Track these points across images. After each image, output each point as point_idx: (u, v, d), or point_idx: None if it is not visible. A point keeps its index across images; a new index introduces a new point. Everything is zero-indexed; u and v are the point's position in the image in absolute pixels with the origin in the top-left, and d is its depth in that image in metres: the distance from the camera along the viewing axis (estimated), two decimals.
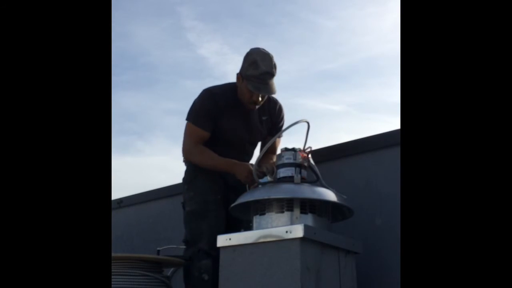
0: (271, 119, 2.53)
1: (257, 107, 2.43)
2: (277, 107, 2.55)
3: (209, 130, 2.41)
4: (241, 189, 2.28)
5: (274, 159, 2.31)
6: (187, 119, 2.44)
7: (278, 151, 2.26)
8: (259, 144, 2.62)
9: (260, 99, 2.39)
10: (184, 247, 2.50)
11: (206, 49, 7.08)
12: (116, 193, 3.92)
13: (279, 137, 2.44)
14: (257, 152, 2.60)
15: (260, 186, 2.09)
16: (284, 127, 2.51)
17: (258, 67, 2.31)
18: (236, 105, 2.44)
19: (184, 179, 2.52)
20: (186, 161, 2.54)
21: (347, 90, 7.75)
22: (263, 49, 2.39)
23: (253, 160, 2.59)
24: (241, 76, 2.38)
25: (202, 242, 2.28)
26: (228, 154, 2.41)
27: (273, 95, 2.45)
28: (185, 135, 2.44)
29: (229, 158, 2.39)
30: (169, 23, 7.00)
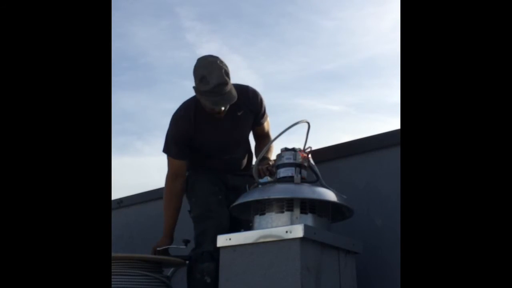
0: (250, 109, 2.44)
1: (223, 109, 2.33)
2: (250, 95, 2.44)
3: (182, 156, 2.44)
4: (241, 189, 2.28)
5: (272, 154, 2.35)
6: (163, 151, 2.48)
7: (274, 147, 2.28)
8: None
9: (223, 108, 2.30)
10: (184, 247, 2.50)
11: (205, 50, 7.09)
12: (116, 193, 3.92)
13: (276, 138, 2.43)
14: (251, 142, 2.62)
15: (260, 186, 2.09)
16: (284, 128, 2.51)
17: (208, 82, 2.22)
18: (204, 116, 2.39)
19: (185, 188, 2.53)
20: (187, 171, 2.58)
21: (346, 90, 7.76)
22: (209, 56, 2.30)
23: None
24: (197, 91, 2.31)
25: (206, 243, 2.26)
26: (216, 163, 2.46)
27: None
28: (167, 166, 2.50)
29: (218, 166, 2.45)
30: (168, 24, 7.01)
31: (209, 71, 2.23)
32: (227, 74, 2.26)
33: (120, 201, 3.67)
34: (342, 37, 6.83)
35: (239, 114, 2.41)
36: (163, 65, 7.55)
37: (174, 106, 2.50)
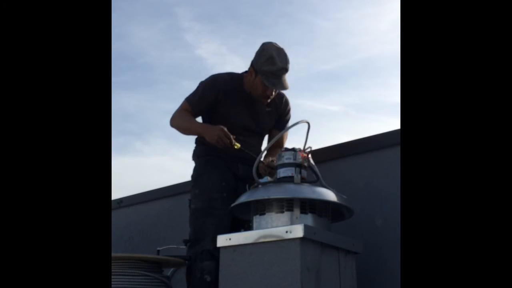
0: (276, 111, 2.54)
1: (268, 101, 2.46)
2: (283, 100, 2.58)
3: (198, 110, 2.47)
4: (251, 180, 2.28)
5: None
6: (185, 98, 2.50)
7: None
8: (265, 140, 2.61)
9: (273, 93, 2.44)
10: (184, 247, 2.49)
11: (204, 50, 7.09)
12: (116, 193, 3.92)
13: (280, 138, 2.43)
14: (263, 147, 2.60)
15: (260, 186, 2.09)
16: (285, 127, 2.52)
17: (275, 63, 2.34)
18: (242, 94, 2.48)
19: (191, 176, 2.52)
20: (194, 158, 2.56)
21: (345, 90, 7.77)
22: (276, 44, 2.42)
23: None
24: (254, 70, 2.41)
25: (206, 241, 2.24)
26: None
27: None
28: (176, 109, 2.51)
29: (231, 149, 2.39)
30: (166, 24, 7.01)
31: (278, 53, 2.37)
32: (289, 63, 2.39)
33: (120, 201, 3.67)
34: (341, 37, 6.83)
35: (267, 109, 2.51)
36: (162, 65, 7.55)
37: (173, 106, 2.53)
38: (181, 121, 2.48)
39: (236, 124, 2.44)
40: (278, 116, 2.56)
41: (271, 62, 2.35)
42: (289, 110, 2.59)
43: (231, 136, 2.29)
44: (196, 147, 2.58)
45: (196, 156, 2.56)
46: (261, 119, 2.52)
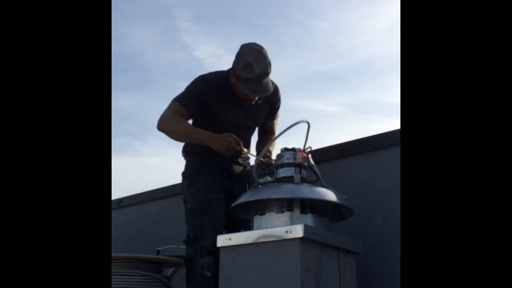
0: (269, 101, 2.49)
1: (253, 103, 2.40)
2: (274, 87, 2.47)
3: (192, 111, 2.35)
4: (245, 179, 2.27)
5: (273, 153, 2.35)
6: (174, 99, 2.38)
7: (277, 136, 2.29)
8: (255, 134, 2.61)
9: (256, 98, 2.37)
10: (184, 247, 2.48)
11: (201, 51, 7.10)
12: (116, 193, 3.92)
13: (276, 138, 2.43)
14: (254, 138, 2.61)
15: (260, 186, 2.09)
16: (284, 128, 2.51)
17: (253, 70, 2.25)
18: (232, 92, 2.39)
19: (183, 174, 2.46)
20: (185, 155, 2.51)
21: (343, 91, 7.79)
22: (255, 45, 2.33)
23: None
24: (235, 75, 2.33)
25: (206, 240, 2.24)
26: None
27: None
28: (166, 109, 2.38)
29: None
30: (164, 25, 7.02)
31: (256, 59, 2.27)
32: (270, 65, 2.30)
33: (120, 201, 3.67)
34: (338, 38, 6.84)
35: (259, 102, 2.43)
36: (159, 66, 7.56)
37: None
38: (177, 126, 2.34)
39: (234, 123, 2.41)
40: (271, 105, 2.52)
41: (249, 70, 2.25)
42: (279, 98, 2.53)
43: (241, 142, 2.23)
44: (185, 145, 2.50)
45: (186, 153, 2.50)
46: (257, 114, 2.49)
